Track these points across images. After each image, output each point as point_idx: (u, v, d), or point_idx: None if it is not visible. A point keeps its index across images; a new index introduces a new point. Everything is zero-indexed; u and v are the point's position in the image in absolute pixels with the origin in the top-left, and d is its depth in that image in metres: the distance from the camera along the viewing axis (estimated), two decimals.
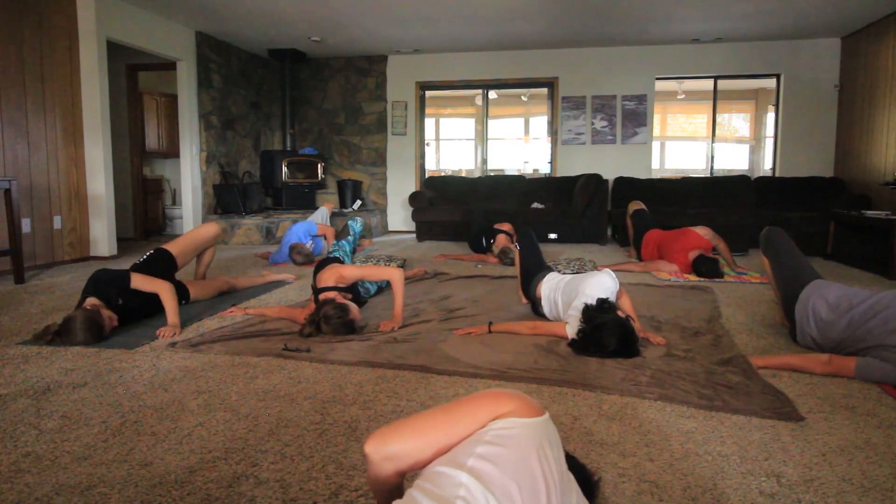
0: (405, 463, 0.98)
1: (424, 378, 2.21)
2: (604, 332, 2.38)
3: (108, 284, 2.91)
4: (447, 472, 0.85)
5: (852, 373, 2.18)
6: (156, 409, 1.91)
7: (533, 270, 3.25)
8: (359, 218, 4.06)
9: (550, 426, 0.97)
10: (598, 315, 2.44)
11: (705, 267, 4.31)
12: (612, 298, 2.63)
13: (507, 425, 0.93)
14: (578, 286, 2.75)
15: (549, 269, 3.25)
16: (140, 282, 2.97)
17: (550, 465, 0.90)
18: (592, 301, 2.53)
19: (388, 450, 0.97)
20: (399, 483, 1.05)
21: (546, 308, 3.04)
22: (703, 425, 1.79)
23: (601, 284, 2.68)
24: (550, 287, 3.02)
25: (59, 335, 2.65)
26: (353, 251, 3.82)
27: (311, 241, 5.25)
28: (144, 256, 3.32)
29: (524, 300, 3.46)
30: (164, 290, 2.95)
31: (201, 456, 1.59)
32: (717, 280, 4.27)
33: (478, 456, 0.87)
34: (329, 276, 2.97)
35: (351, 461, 1.56)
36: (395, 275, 2.94)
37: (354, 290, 3.25)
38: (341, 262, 3.40)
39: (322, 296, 2.88)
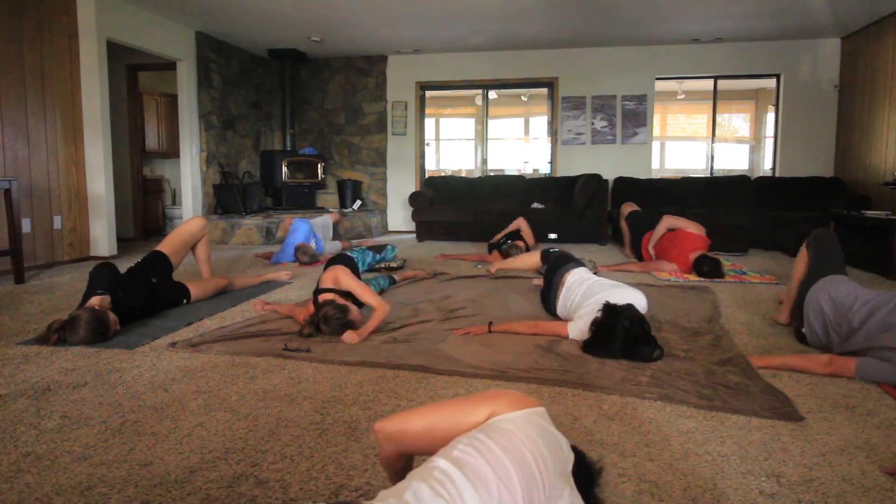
0: (403, 445, 1.10)
1: (424, 378, 2.21)
2: (621, 322, 2.37)
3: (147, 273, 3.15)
4: (433, 459, 0.93)
5: (852, 373, 2.18)
6: (156, 409, 1.91)
7: (563, 261, 3.20)
8: (397, 249, 4.02)
9: (543, 418, 1.01)
10: (622, 310, 2.43)
11: (707, 266, 4.30)
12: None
13: (500, 420, 0.99)
14: (613, 288, 2.70)
15: (581, 264, 3.20)
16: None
17: (542, 453, 0.93)
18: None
19: (389, 429, 1.09)
20: (402, 466, 1.18)
21: (562, 297, 2.98)
22: (703, 425, 1.79)
23: (636, 297, 2.64)
24: (579, 278, 2.96)
25: (62, 330, 2.64)
26: (372, 269, 3.76)
27: (312, 241, 5.26)
28: (139, 260, 3.33)
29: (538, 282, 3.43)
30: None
31: (201, 456, 1.59)
32: (717, 280, 4.27)
33: (463, 445, 0.94)
34: (329, 277, 2.97)
35: (351, 461, 1.56)
36: (381, 305, 2.85)
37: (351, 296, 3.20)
38: (351, 263, 3.32)
39: (321, 297, 2.88)
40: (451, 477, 0.86)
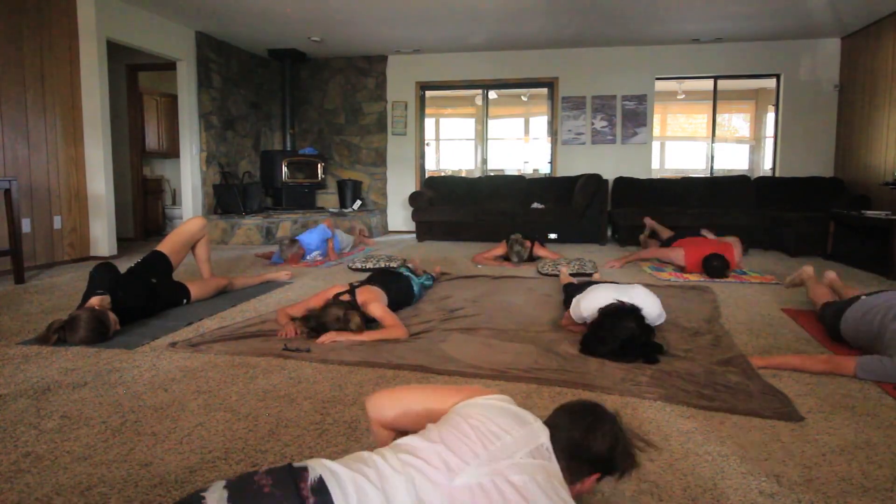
0: (382, 420, 1.27)
1: (424, 378, 2.21)
2: (622, 319, 2.36)
3: (146, 273, 3.16)
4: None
5: (851, 371, 2.19)
6: (156, 409, 1.91)
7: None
8: (431, 277, 4.01)
9: (501, 401, 1.15)
10: (626, 310, 2.42)
11: (717, 262, 4.26)
12: (651, 320, 2.58)
13: (457, 406, 1.16)
14: (629, 291, 2.66)
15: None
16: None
17: (487, 426, 1.06)
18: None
19: (372, 403, 1.28)
20: (386, 439, 1.28)
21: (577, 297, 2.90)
22: (703, 425, 1.79)
23: (651, 299, 2.61)
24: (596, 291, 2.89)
25: (62, 330, 2.64)
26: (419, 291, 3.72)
27: (317, 253, 5.27)
28: (139, 261, 3.32)
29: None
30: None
31: (201, 456, 1.59)
32: (717, 280, 4.27)
33: (413, 435, 1.11)
34: (363, 294, 2.91)
35: None
36: (397, 332, 2.75)
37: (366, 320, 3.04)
38: (391, 289, 3.19)
39: (343, 297, 2.86)
40: (398, 444, 1.08)
